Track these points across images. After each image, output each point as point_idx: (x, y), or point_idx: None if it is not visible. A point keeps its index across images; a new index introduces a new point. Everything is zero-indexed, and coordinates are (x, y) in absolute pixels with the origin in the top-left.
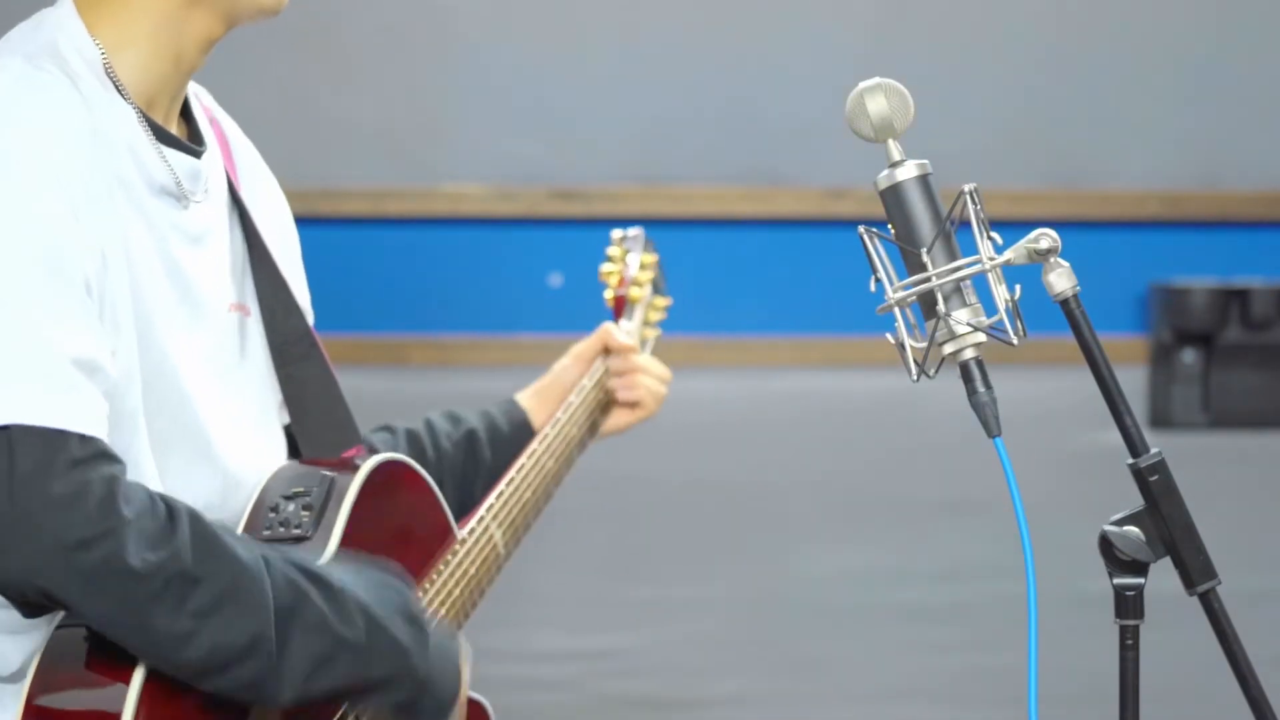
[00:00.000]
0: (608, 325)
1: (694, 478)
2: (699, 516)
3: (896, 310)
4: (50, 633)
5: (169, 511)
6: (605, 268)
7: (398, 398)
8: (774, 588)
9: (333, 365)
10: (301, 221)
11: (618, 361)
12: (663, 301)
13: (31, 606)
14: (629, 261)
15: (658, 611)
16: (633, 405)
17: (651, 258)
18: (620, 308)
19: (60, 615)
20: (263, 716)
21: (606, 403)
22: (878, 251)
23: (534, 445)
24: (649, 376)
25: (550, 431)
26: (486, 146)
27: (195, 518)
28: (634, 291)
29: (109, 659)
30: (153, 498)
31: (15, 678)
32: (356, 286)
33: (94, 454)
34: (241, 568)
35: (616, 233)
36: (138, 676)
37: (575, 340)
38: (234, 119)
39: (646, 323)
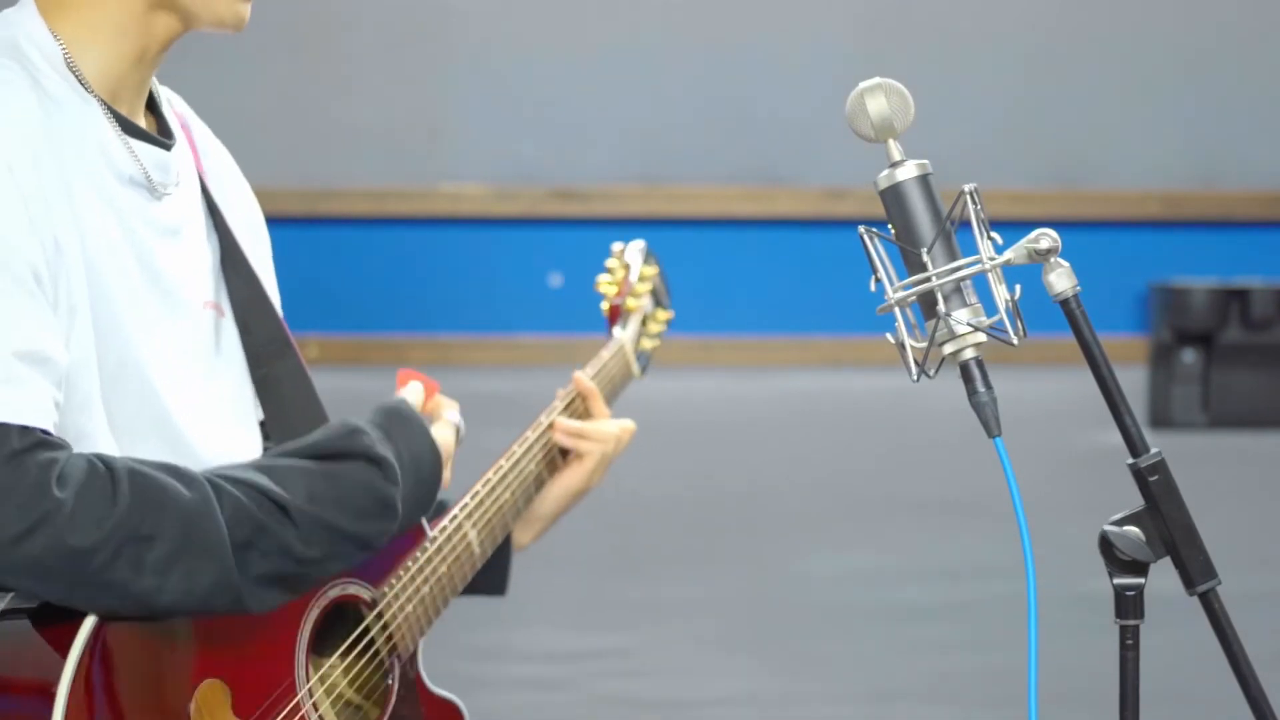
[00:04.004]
0: (577, 374)
1: (694, 477)
2: (699, 516)
3: (896, 310)
4: None
5: (110, 474)
6: (602, 279)
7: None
8: (774, 588)
9: (308, 366)
10: (301, 221)
11: (579, 405)
12: (664, 315)
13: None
14: (628, 273)
15: (658, 611)
16: (579, 456)
17: (652, 270)
18: (615, 316)
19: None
20: (206, 700)
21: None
22: (878, 251)
23: (514, 448)
24: (604, 428)
25: (531, 435)
26: (486, 146)
27: (135, 473)
28: (630, 302)
29: (44, 645)
30: (92, 465)
31: None
32: (356, 286)
33: (33, 444)
34: (190, 515)
35: (617, 245)
36: (69, 667)
37: (575, 340)
38: (235, 119)
39: (647, 334)
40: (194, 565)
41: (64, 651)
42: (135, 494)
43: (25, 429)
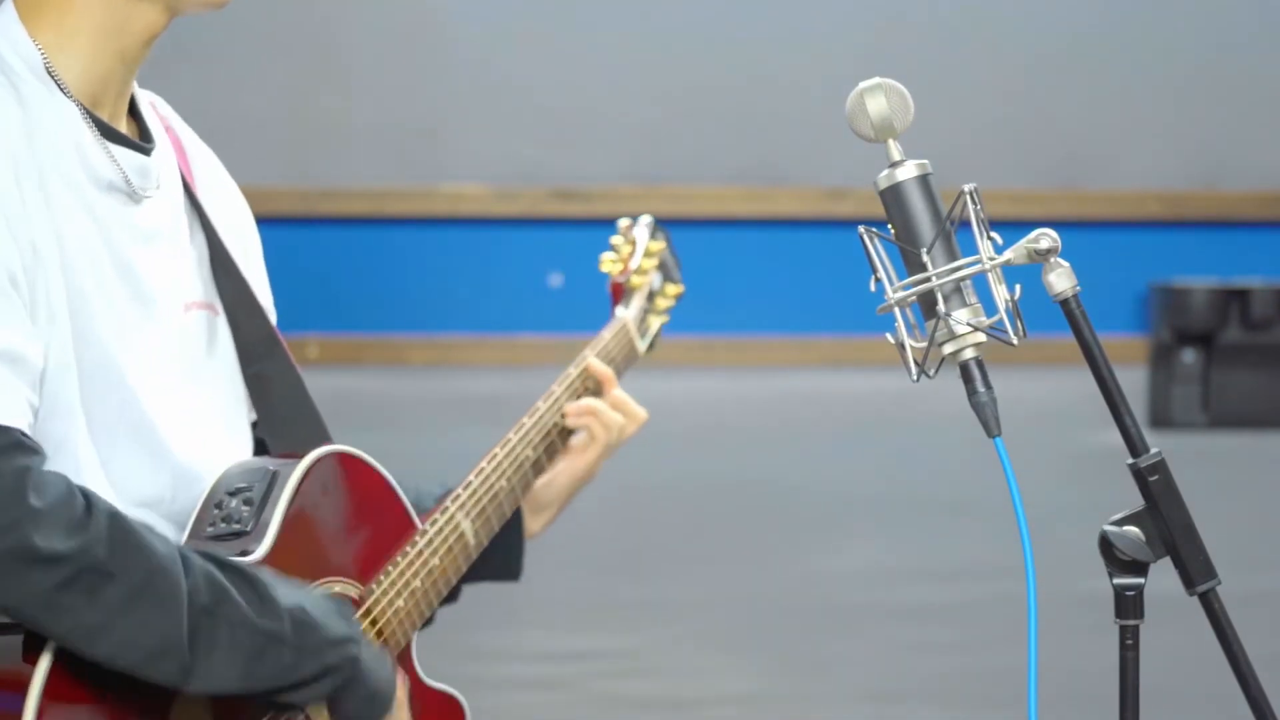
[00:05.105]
0: (590, 359)
1: (694, 478)
2: (699, 516)
3: (896, 310)
4: None
5: (87, 504)
6: (606, 256)
7: (397, 398)
8: (774, 588)
9: (299, 366)
10: (301, 221)
11: (583, 389)
12: (674, 289)
13: None
14: (635, 250)
15: (658, 611)
16: (589, 436)
17: (659, 245)
18: (619, 294)
19: None
20: (187, 709)
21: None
22: (878, 251)
23: (509, 435)
24: (614, 409)
25: (527, 421)
26: (486, 146)
27: (113, 514)
28: (635, 279)
29: (15, 649)
30: (71, 489)
31: None
32: (356, 286)
33: (7, 445)
34: (157, 566)
35: (624, 222)
36: (41, 669)
37: (575, 340)
38: (235, 119)
39: (654, 310)
40: (148, 617)
41: (36, 654)
42: (110, 529)
43: (0, 428)
